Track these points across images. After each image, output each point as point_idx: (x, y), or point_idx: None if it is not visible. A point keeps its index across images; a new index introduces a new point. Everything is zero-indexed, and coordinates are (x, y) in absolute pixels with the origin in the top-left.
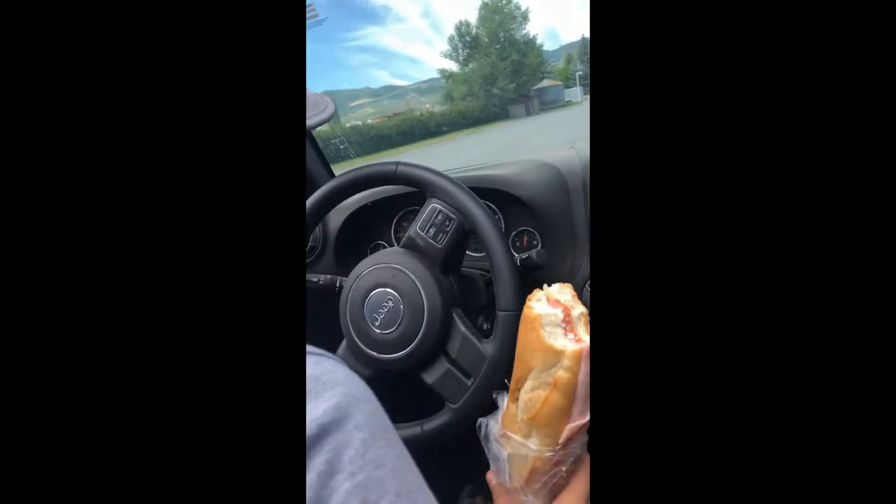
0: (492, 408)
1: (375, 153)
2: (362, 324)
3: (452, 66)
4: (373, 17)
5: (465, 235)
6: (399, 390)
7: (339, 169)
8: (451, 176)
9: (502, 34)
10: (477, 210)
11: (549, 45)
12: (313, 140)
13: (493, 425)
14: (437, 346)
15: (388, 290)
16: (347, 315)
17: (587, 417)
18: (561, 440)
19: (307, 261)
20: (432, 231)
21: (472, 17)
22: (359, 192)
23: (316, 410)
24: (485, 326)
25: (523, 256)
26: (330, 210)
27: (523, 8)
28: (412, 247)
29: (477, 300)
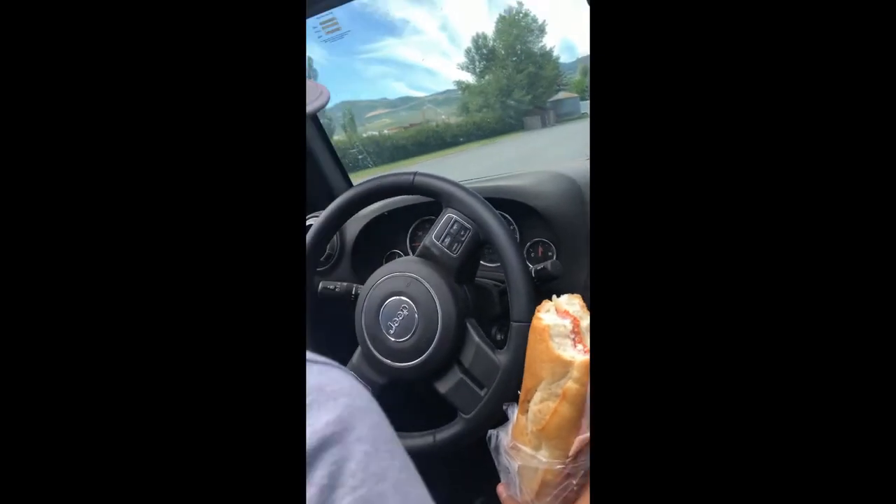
0: (503, 419)
1: (391, 163)
2: (377, 331)
3: (469, 78)
4: (391, 29)
5: (480, 245)
6: (412, 399)
7: (357, 178)
8: (467, 186)
9: (519, 47)
10: (492, 220)
11: (565, 58)
12: (332, 149)
13: (503, 437)
14: (450, 355)
15: (403, 298)
16: (363, 322)
17: None
18: (571, 452)
19: (324, 269)
20: (448, 240)
21: (490, 29)
22: (377, 201)
23: (318, 422)
24: (498, 337)
25: (538, 267)
26: (348, 219)
27: (540, 21)
28: (427, 256)
29: (491, 310)
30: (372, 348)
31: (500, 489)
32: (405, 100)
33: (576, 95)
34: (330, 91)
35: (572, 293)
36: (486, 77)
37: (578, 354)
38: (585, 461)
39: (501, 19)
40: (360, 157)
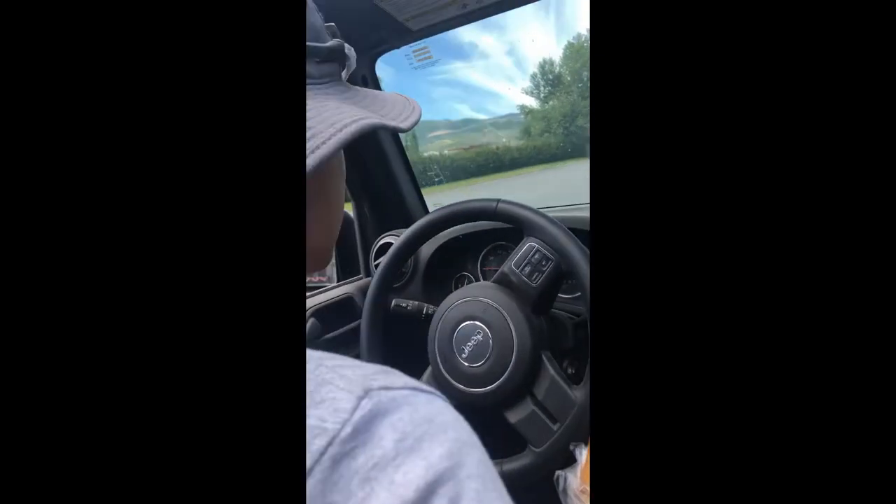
0: (571, 459)
1: (451, 182)
2: (449, 354)
3: (532, 103)
4: (459, 53)
5: (562, 277)
6: (476, 425)
7: (427, 193)
8: (549, 215)
9: (585, 74)
10: (577, 253)
11: None
12: (409, 167)
13: (571, 479)
14: (523, 385)
15: (478, 323)
16: (436, 344)
17: None
18: None
19: (398, 285)
20: (528, 269)
21: (557, 55)
22: (457, 224)
23: (432, 455)
24: (569, 371)
25: None
26: (429, 239)
27: None
28: (505, 283)
29: (564, 343)
30: (443, 370)
31: None
32: (467, 122)
33: None
34: None
35: None
36: (550, 102)
37: None
38: None
39: (569, 46)
40: (429, 173)
